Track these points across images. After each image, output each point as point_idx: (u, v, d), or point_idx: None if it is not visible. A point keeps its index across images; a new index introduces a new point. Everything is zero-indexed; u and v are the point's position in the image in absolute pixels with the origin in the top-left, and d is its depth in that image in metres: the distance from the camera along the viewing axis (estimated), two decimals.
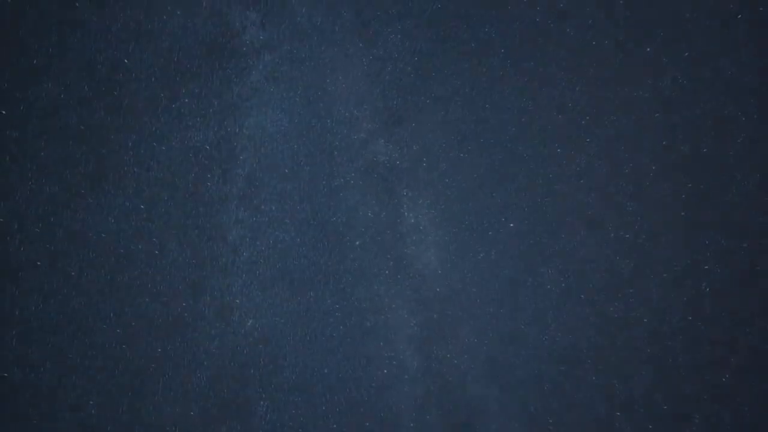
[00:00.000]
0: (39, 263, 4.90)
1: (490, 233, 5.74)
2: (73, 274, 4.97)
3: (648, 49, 5.65)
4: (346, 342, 5.62)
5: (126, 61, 4.72)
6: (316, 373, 5.60)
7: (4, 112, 4.03)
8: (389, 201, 5.59)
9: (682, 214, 5.68)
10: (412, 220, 5.66)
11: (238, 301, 5.27)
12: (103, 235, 5.05)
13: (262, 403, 5.46)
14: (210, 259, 5.21)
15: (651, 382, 5.83)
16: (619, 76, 5.77)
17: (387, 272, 5.65)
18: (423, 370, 5.81)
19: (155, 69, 4.92)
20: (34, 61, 4.71)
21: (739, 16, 5.40)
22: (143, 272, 5.06)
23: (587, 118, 5.84)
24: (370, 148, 5.44)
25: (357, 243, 5.53)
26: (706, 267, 5.63)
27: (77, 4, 4.68)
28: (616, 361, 5.85)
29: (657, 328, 5.64)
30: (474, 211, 5.79)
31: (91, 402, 5.13)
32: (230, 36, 5.09)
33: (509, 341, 5.92)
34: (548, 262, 5.89)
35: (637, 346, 5.74)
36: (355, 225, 5.55)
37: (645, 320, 5.65)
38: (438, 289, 5.68)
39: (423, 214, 5.66)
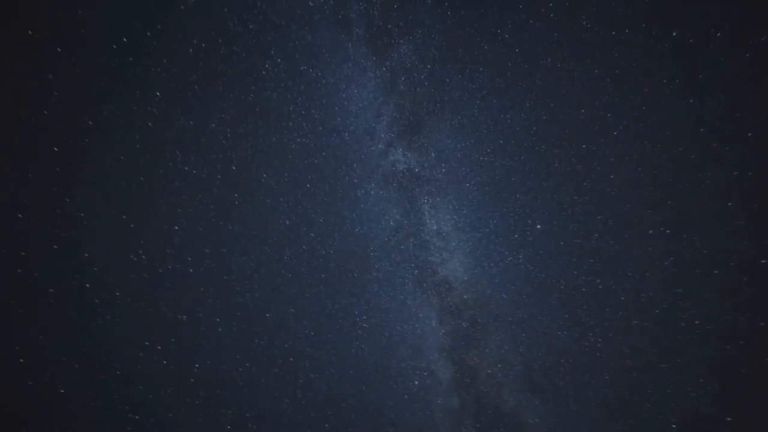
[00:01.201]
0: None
1: (516, 236, 5.25)
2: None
3: (669, 44, 5.05)
4: (376, 353, 5.28)
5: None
6: (348, 385, 5.26)
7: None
8: (411, 209, 5.27)
9: (721, 208, 4.93)
10: (435, 227, 5.30)
11: (268, 315, 5.08)
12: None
13: (295, 416, 5.18)
14: (238, 275, 5.07)
15: (714, 390, 4.99)
16: (643, 66, 5.18)
17: (412, 281, 5.30)
18: (456, 380, 5.32)
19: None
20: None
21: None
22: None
23: (612, 112, 5.29)
24: (389, 158, 5.20)
25: (381, 252, 5.23)
26: (748, 263, 4.82)
27: None
28: (667, 368, 5.07)
29: (709, 329, 4.84)
30: (498, 214, 5.34)
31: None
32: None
33: (546, 349, 5.31)
34: (582, 263, 5.28)
35: (690, 351, 4.95)
36: (378, 234, 5.27)
37: (696, 322, 4.88)
38: (465, 297, 5.22)
39: (445, 220, 5.28)
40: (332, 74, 4.97)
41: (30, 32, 4.60)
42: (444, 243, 5.06)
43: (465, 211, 5.13)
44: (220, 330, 5.07)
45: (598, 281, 5.05)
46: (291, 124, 5.08)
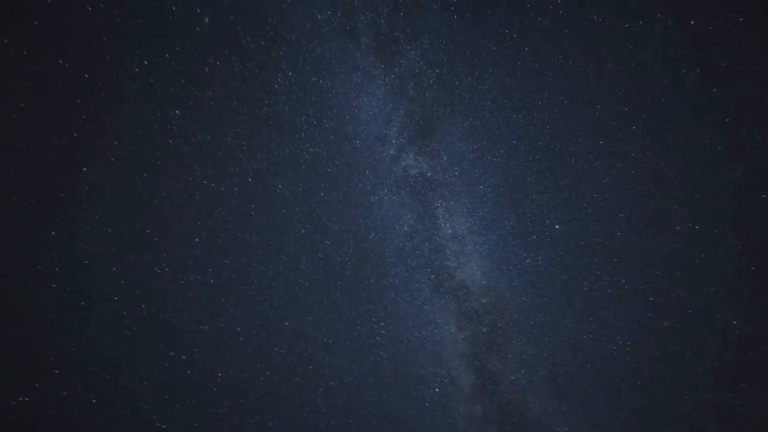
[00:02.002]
0: None
1: (534, 238, 4.92)
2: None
3: (687, 33, 4.68)
4: (395, 360, 5.02)
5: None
6: (367, 392, 5.01)
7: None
8: (425, 213, 5.04)
9: (753, 200, 4.44)
10: (450, 231, 5.03)
11: (286, 323, 4.92)
12: None
13: (317, 425, 4.96)
14: (256, 284, 4.95)
15: (757, 396, 4.46)
16: (660, 57, 4.81)
17: (429, 286, 5.03)
18: (478, 387, 4.98)
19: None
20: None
21: None
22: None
23: (630, 105, 4.93)
24: (401, 163, 5.01)
25: (396, 258, 5.00)
26: None
27: None
28: (704, 372, 4.57)
29: (748, 329, 4.33)
30: (514, 215, 5.03)
31: None
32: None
33: (572, 353, 4.91)
34: (605, 263, 4.88)
35: (728, 353, 4.45)
36: (392, 240, 5.06)
37: (734, 322, 4.38)
38: (484, 301, 4.91)
39: (460, 223, 5.01)
40: (342, 84, 4.84)
41: (60, 61, 4.67)
42: (460, 247, 4.78)
43: (480, 214, 4.84)
44: (240, 339, 4.94)
45: (623, 281, 4.64)
46: (303, 134, 4.98)
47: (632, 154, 4.77)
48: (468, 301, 4.76)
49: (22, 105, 4.40)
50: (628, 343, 4.55)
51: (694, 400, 4.33)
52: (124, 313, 5.02)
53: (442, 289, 4.79)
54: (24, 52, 4.37)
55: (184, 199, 4.97)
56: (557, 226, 4.66)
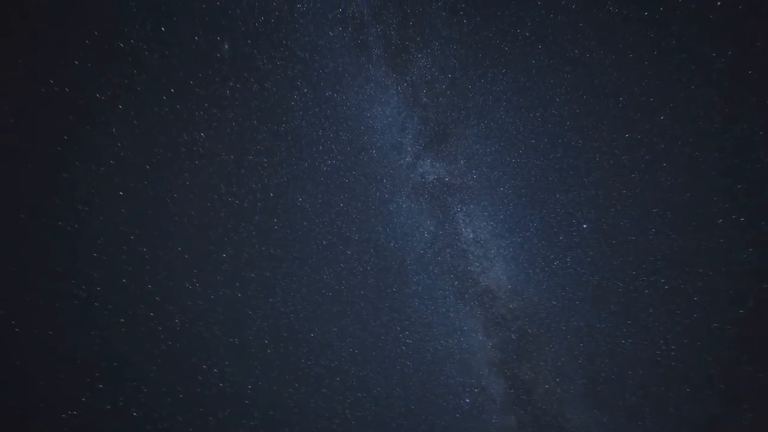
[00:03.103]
0: None
1: (561, 238, 4.45)
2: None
3: (714, 16, 4.15)
4: (422, 369, 4.64)
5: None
6: (396, 404, 4.63)
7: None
8: (444, 219, 4.70)
9: None
10: (471, 235, 4.66)
11: (312, 335, 4.67)
12: None
13: None
14: (282, 297, 4.75)
15: None
16: (686, 44, 4.30)
17: (453, 293, 4.66)
18: (510, 397, 4.49)
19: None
20: None
21: None
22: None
23: (656, 95, 4.43)
24: (418, 170, 4.73)
25: (418, 266, 4.66)
26: None
27: None
28: (764, 377, 3.88)
29: None
30: (538, 217, 4.59)
31: None
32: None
33: (610, 359, 4.35)
34: (641, 262, 4.33)
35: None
36: (413, 247, 4.74)
37: None
38: (511, 306, 4.46)
39: (481, 227, 4.63)
40: (356, 96, 4.66)
41: (97, 95, 4.75)
42: (483, 251, 4.38)
43: (502, 217, 4.43)
44: (268, 351, 4.74)
45: (663, 281, 4.06)
46: (321, 147, 4.81)
47: (662, 146, 4.23)
48: (494, 306, 4.32)
49: (60, 133, 4.48)
50: (673, 347, 3.95)
51: (753, 409, 3.66)
52: (160, 328, 4.94)
53: (466, 296, 4.38)
54: (67, 89, 4.47)
55: (211, 217, 4.90)
56: (585, 226, 4.17)
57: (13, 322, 4.83)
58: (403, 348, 4.57)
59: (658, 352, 4.04)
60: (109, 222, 4.89)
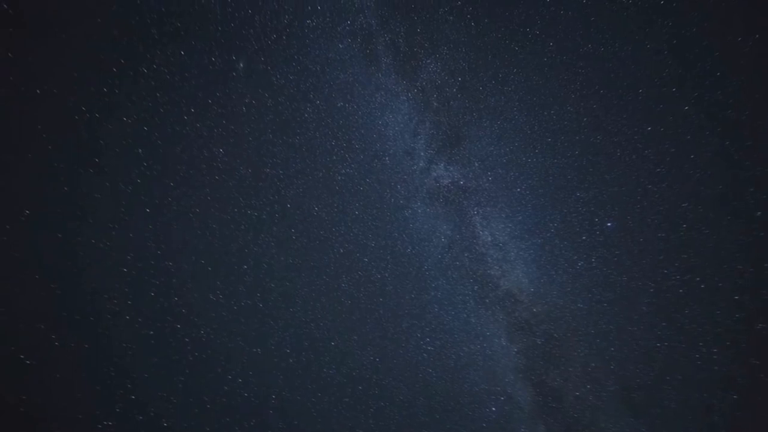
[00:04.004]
0: None
1: (584, 238, 4.08)
2: None
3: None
4: (445, 377, 4.32)
5: None
6: (419, 413, 4.32)
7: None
8: (461, 222, 4.42)
9: None
10: (489, 238, 4.35)
11: (333, 343, 4.45)
12: None
13: None
14: (302, 306, 4.57)
15: None
16: (709, 29, 3.90)
17: (473, 297, 4.34)
18: (539, 405, 4.10)
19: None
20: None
21: None
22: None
23: (679, 85, 4.04)
24: (432, 174, 4.50)
25: (436, 271, 4.38)
26: None
27: None
28: None
29: None
30: (558, 216, 4.23)
31: None
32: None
33: (645, 363, 3.91)
34: (673, 260, 3.89)
35: None
36: (430, 253, 4.48)
37: None
38: (535, 310, 4.10)
39: (499, 229, 4.31)
40: (367, 105, 4.49)
41: (124, 118, 4.78)
42: (502, 254, 4.06)
43: (520, 218, 4.10)
44: (290, 361, 4.55)
45: (698, 279, 3.61)
46: (335, 157, 4.66)
47: (688, 137, 3.81)
48: (517, 311, 3.97)
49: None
50: (714, 350, 3.48)
51: None
52: (186, 339, 4.84)
53: (487, 300, 4.05)
54: (97, 115, 4.52)
55: (231, 230, 4.81)
56: (609, 224, 3.78)
57: (52, 336, 4.85)
58: (425, 355, 4.26)
59: (697, 355, 3.57)
60: (138, 238, 4.88)
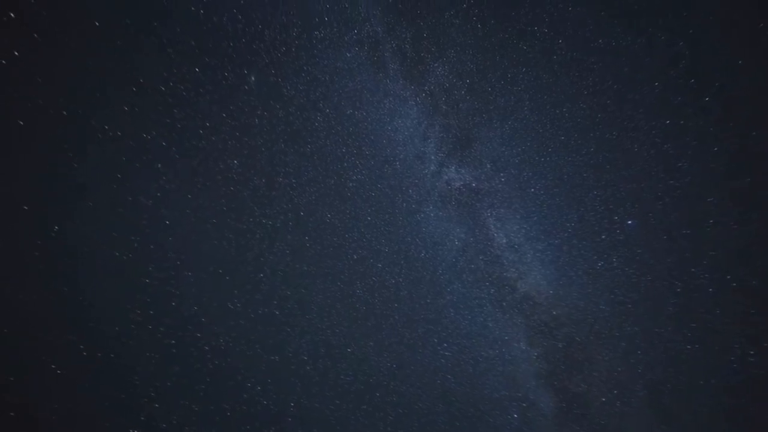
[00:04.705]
0: None
1: (603, 237, 3.80)
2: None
3: None
4: (464, 383, 4.07)
5: None
6: (439, 420, 4.08)
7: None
8: (474, 225, 4.20)
9: None
10: (504, 240, 4.11)
11: (349, 350, 4.27)
12: None
13: None
14: (317, 313, 4.42)
15: None
16: (730, 17, 3.60)
17: (490, 301, 4.10)
18: (563, 412, 3.80)
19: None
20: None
21: None
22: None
23: (697, 76, 3.75)
24: (443, 177, 4.31)
25: (450, 275, 4.16)
26: None
27: None
28: None
29: None
30: (575, 216, 3.96)
31: None
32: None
33: (675, 367, 3.57)
34: (700, 257, 3.57)
35: None
36: (444, 256, 4.27)
37: None
38: (555, 313, 3.82)
39: (514, 231, 4.07)
40: (376, 111, 4.35)
41: (146, 136, 4.79)
42: (518, 256, 3.81)
43: (535, 219, 3.85)
44: (308, 368, 4.39)
45: (729, 277, 3.27)
46: (346, 164, 4.52)
47: (710, 129, 3.49)
48: (536, 314, 3.70)
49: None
50: (751, 351, 3.14)
51: None
52: (206, 348, 4.76)
53: (504, 303, 3.80)
54: (119, 133, 4.54)
55: (246, 239, 4.72)
56: (629, 222, 3.49)
57: (81, 347, 4.84)
58: (443, 361, 4.02)
59: (732, 358, 3.22)
60: (159, 250, 4.85)
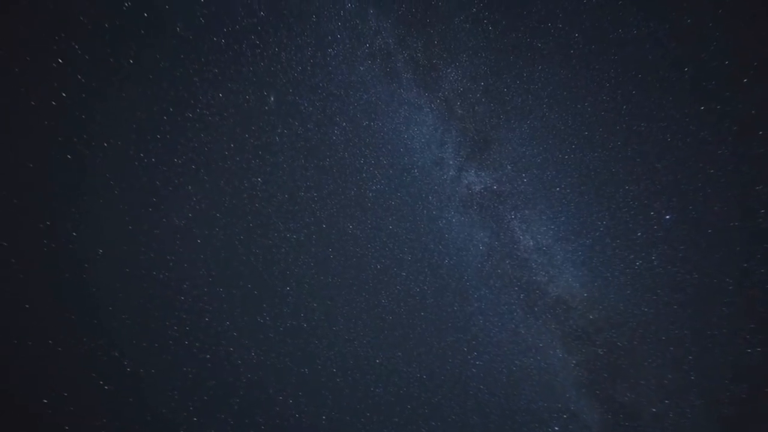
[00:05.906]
0: None
1: (639, 234, 3.36)
2: None
3: None
4: (498, 393, 3.68)
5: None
6: None
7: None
8: (498, 228, 3.85)
9: None
10: (531, 242, 3.73)
11: (377, 361, 3.97)
12: None
13: None
14: (344, 324, 4.17)
15: None
16: None
17: (520, 306, 3.72)
18: (609, 424, 3.32)
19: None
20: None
21: None
22: None
23: (732, 58, 3.26)
24: (463, 182, 4.03)
25: (477, 281, 3.81)
26: None
27: None
28: None
29: None
30: (606, 213, 3.54)
31: None
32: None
33: (735, 373, 3.04)
34: (755, 250, 3.06)
35: None
36: (469, 262, 3.95)
37: None
38: (591, 317, 3.38)
39: (541, 232, 3.69)
40: (391, 121, 4.15)
41: (175, 159, 4.78)
42: (547, 258, 3.41)
43: (563, 218, 3.44)
44: (338, 380, 4.13)
45: None
46: (365, 175, 4.32)
47: (752, 112, 3.02)
48: (571, 318, 3.26)
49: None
50: None
51: None
52: (239, 362, 4.60)
53: (536, 308, 3.39)
54: (153, 159, 4.58)
55: (272, 254, 4.59)
56: (667, 217, 3.03)
57: (124, 363, 4.81)
58: (474, 370, 3.64)
59: None
60: (192, 268, 4.79)
